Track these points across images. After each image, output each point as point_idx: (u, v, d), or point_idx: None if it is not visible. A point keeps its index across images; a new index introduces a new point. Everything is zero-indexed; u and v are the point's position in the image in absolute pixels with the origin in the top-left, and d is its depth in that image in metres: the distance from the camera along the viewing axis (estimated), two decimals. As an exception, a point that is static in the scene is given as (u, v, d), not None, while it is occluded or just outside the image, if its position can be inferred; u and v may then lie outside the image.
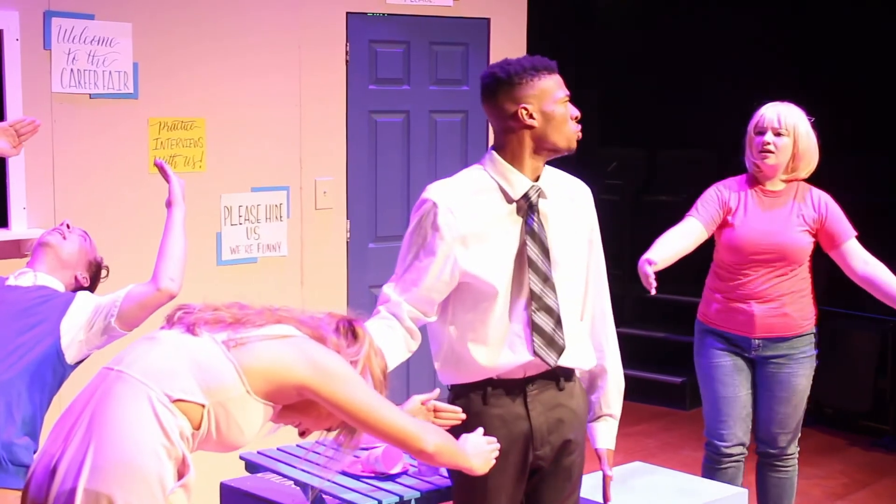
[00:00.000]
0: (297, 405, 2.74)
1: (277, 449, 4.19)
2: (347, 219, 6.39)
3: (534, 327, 3.40)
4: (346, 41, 6.28)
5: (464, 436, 3.08)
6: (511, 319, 3.42)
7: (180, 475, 2.56)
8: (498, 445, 3.16)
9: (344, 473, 3.90)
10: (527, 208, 3.41)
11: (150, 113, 5.61)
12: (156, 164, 4.05)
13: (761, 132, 4.82)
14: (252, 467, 4.16)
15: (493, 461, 3.11)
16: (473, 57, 6.74)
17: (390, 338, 3.39)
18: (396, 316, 3.44)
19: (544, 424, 3.47)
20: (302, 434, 2.88)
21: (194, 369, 2.59)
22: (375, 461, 3.90)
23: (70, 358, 3.74)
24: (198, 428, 2.59)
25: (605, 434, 3.63)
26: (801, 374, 4.88)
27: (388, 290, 3.51)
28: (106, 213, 5.46)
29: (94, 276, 4.10)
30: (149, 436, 2.51)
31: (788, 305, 4.80)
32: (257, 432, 2.70)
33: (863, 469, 7.02)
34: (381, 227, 6.52)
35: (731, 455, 4.91)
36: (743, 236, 4.78)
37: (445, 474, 3.88)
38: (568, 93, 3.45)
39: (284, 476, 4.01)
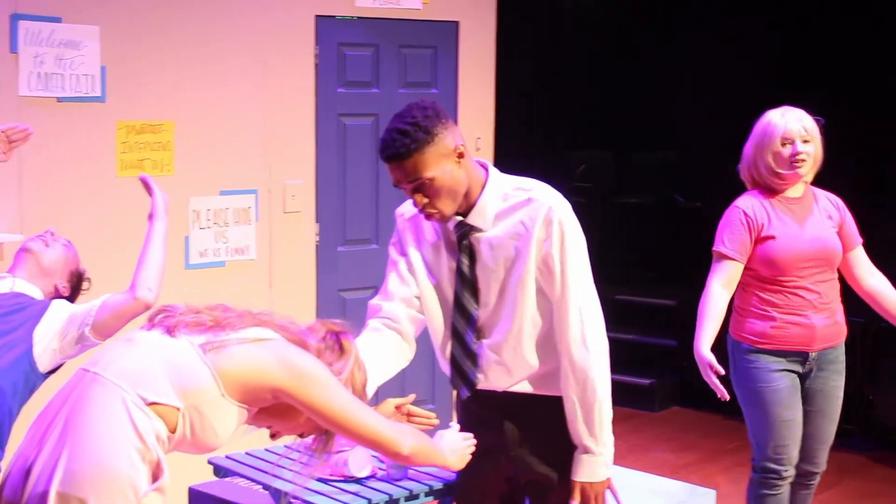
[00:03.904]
0: (272, 408, 2.74)
1: (246, 453, 4.17)
2: (316, 222, 6.38)
3: (452, 362, 3.50)
4: (315, 44, 6.27)
5: (439, 433, 3.11)
6: (442, 349, 3.54)
7: (155, 478, 2.56)
8: (474, 441, 3.19)
9: (312, 477, 3.89)
10: (457, 243, 3.44)
11: (118, 116, 5.58)
12: (140, 179, 4.04)
13: (789, 142, 4.60)
14: (220, 472, 4.15)
15: (469, 457, 3.15)
16: (442, 60, 6.75)
17: (383, 349, 3.44)
18: (393, 318, 3.48)
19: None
20: (272, 437, 2.88)
21: (170, 372, 2.59)
22: (344, 464, 3.90)
23: (43, 366, 3.72)
24: (173, 431, 2.59)
25: (574, 466, 3.49)
26: (842, 386, 4.74)
27: (375, 300, 3.55)
28: (73, 217, 5.43)
29: (75, 286, 4.07)
30: (123, 439, 2.51)
31: (837, 313, 4.67)
32: (232, 434, 2.70)
33: (829, 469, 7.01)
34: (351, 231, 6.52)
35: (788, 478, 4.76)
36: (788, 247, 4.56)
37: (413, 477, 3.89)
38: (402, 184, 3.33)
39: (253, 480, 4.00)
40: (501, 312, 3.43)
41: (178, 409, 2.58)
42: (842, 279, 4.73)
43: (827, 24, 8.78)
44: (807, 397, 4.68)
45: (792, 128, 4.59)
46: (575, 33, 10.32)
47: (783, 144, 4.60)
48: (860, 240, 4.71)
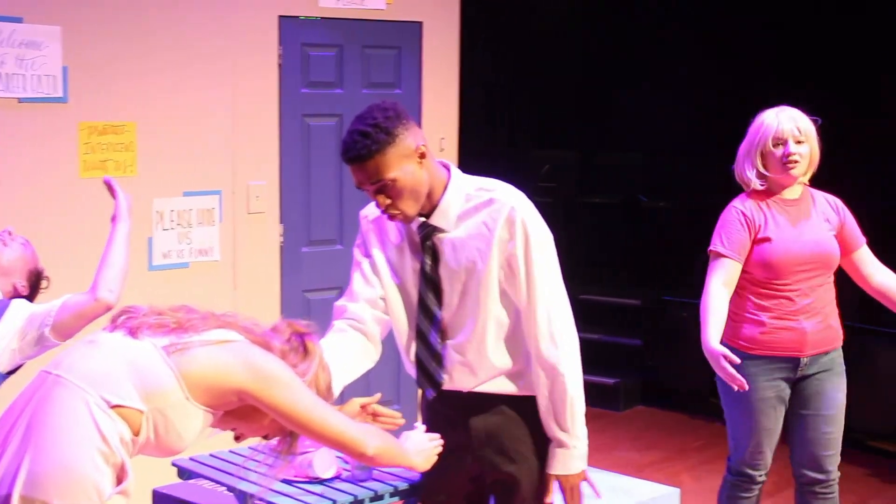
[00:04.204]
0: (237, 410, 2.73)
1: (210, 455, 4.16)
2: (280, 223, 6.37)
3: (417, 363, 3.51)
4: (279, 44, 6.26)
5: (405, 434, 3.12)
6: (407, 350, 3.54)
7: (119, 481, 2.55)
8: (440, 442, 3.19)
9: (276, 478, 3.89)
10: (420, 244, 3.45)
11: (80, 117, 5.55)
12: (104, 181, 4.01)
13: (782, 143, 4.48)
14: (184, 474, 4.13)
15: (435, 457, 3.16)
16: (406, 60, 6.74)
17: (348, 350, 3.45)
18: (358, 319, 3.48)
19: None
20: (237, 439, 2.87)
21: (133, 375, 2.58)
22: (308, 465, 3.89)
23: (2, 366, 3.70)
24: (137, 434, 2.58)
25: (549, 459, 3.51)
26: (842, 389, 4.61)
27: (340, 301, 3.56)
28: (36, 218, 5.39)
29: (34, 285, 4.05)
30: (87, 441, 2.50)
31: (830, 317, 4.56)
32: (197, 437, 2.69)
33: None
34: (315, 232, 6.51)
35: (761, 482, 4.71)
36: (785, 250, 4.47)
37: (378, 478, 3.89)
38: (364, 185, 3.33)
39: (217, 482, 3.98)
40: (465, 313, 3.44)
41: (142, 411, 2.57)
42: (839, 283, 4.65)
43: (795, 22, 8.83)
44: (803, 402, 4.59)
45: (784, 128, 4.49)
46: (539, 33, 10.34)
47: (775, 145, 4.49)
48: (864, 239, 4.62)
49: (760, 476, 4.67)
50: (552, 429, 3.45)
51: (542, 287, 3.39)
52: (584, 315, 8.40)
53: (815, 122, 4.55)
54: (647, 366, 8.52)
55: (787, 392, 4.57)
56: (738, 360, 4.21)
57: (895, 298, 4.57)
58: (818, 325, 4.50)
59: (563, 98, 10.09)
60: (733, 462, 4.70)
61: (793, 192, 4.57)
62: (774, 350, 4.51)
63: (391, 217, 3.37)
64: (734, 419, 4.66)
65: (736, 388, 4.22)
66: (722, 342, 4.46)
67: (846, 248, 4.57)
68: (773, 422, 4.59)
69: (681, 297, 8.17)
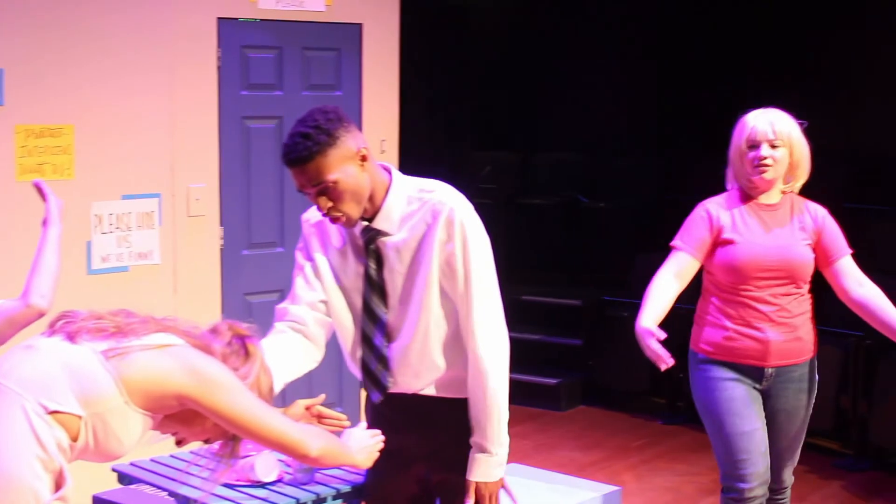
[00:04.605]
0: (178, 415, 2.72)
1: (151, 460, 4.13)
2: (221, 226, 6.34)
3: (363, 367, 3.52)
4: (218, 47, 6.23)
5: (347, 432, 3.13)
6: (352, 354, 3.55)
7: (58, 487, 2.54)
8: (381, 438, 3.20)
9: (217, 482, 3.87)
10: (364, 248, 3.45)
11: (17, 120, 5.50)
12: (34, 184, 3.96)
13: (755, 145, 4.34)
14: (125, 479, 4.10)
15: (377, 454, 3.16)
16: (346, 62, 6.73)
17: (288, 351, 3.44)
18: (299, 321, 3.48)
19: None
20: (178, 443, 2.86)
21: (71, 380, 2.56)
22: (250, 469, 3.87)
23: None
24: (75, 439, 2.56)
25: (470, 465, 3.50)
26: (809, 405, 4.48)
27: (282, 304, 3.56)
28: (-29, 222, 5.34)
29: None
30: (24, 447, 2.48)
31: (801, 329, 4.39)
32: (137, 442, 2.67)
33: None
34: (255, 234, 6.48)
35: (755, 498, 4.40)
36: (746, 253, 4.33)
37: (321, 480, 3.88)
38: (306, 188, 3.32)
39: (159, 487, 3.96)
40: (408, 315, 3.45)
41: (81, 417, 2.55)
42: (820, 294, 4.54)
43: (733, 20, 8.92)
44: (768, 416, 4.44)
45: (759, 130, 4.34)
46: (479, 34, 10.37)
47: (749, 147, 4.36)
48: (847, 251, 4.42)
49: (750, 489, 4.38)
50: (476, 434, 3.45)
51: (477, 291, 3.40)
52: (525, 315, 8.44)
53: (801, 125, 4.42)
54: (587, 365, 8.56)
55: (758, 395, 4.41)
56: (663, 335, 4.09)
57: (873, 314, 4.34)
58: (784, 335, 4.35)
59: (503, 99, 10.12)
60: (722, 478, 4.48)
61: (770, 198, 4.42)
62: (736, 357, 4.38)
63: (333, 220, 3.36)
64: (710, 430, 4.48)
65: (662, 367, 4.08)
66: (689, 347, 4.45)
67: (825, 260, 4.40)
68: (749, 423, 4.38)
69: (621, 296, 8.22)
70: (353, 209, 3.34)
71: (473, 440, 3.46)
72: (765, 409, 4.44)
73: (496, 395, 3.42)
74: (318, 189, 3.29)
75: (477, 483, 3.46)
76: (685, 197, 8.27)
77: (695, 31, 9.05)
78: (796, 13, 8.58)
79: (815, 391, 4.51)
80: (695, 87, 8.82)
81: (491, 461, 3.46)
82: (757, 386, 4.40)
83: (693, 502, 6.48)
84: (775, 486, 4.52)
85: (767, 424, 4.43)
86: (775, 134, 4.33)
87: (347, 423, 3.40)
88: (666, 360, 4.08)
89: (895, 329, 4.28)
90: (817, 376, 4.51)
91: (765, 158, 4.32)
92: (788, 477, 4.58)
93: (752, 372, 4.38)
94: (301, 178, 3.30)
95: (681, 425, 7.75)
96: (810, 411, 4.50)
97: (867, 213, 7.82)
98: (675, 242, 4.43)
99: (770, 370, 4.38)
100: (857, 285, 4.37)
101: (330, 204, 3.31)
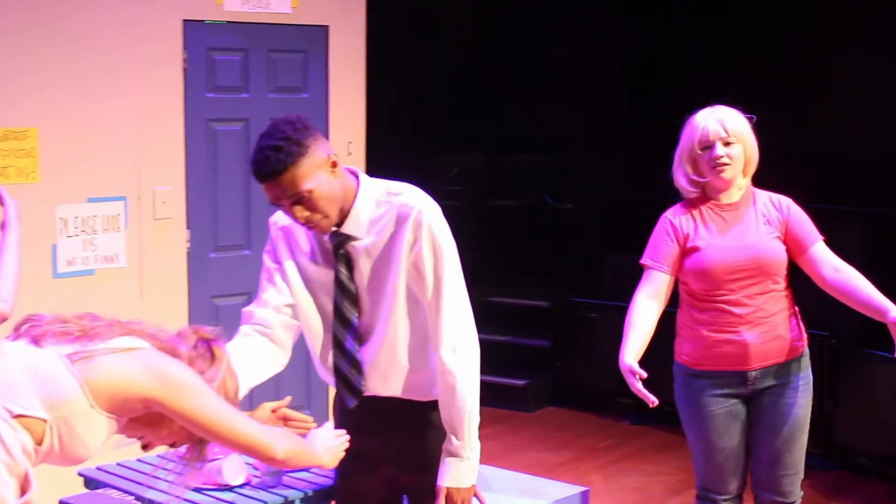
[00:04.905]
0: (144, 418, 2.70)
1: (117, 464, 4.11)
2: (187, 228, 6.31)
3: (336, 372, 3.50)
4: (184, 49, 6.20)
5: (312, 432, 3.13)
6: (323, 359, 3.54)
7: (23, 491, 2.52)
8: (347, 437, 3.20)
9: (185, 486, 3.86)
10: (333, 253, 3.45)
11: (-20, 123, 5.47)
12: None
13: (708, 146, 4.24)
14: (91, 483, 4.08)
15: (343, 454, 3.16)
16: (313, 64, 6.73)
17: (254, 354, 3.44)
18: (265, 324, 3.47)
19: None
20: (144, 448, 2.84)
21: (36, 384, 2.54)
22: (218, 473, 3.86)
23: None
24: (40, 443, 2.55)
25: (441, 469, 3.48)
26: (801, 404, 4.30)
27: (249, 307, 3.55)
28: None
29: None
30: (-10, 453, 2.46)
31: (780, 327, 4.25)
32: (102, 446, 2.66)
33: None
34: (222, 237, 6.46)
35: None
36: (714, 257, 4.22)
37: (288, 483, 3.87)
38: (281, 200, 3.31)
39: (125, 492, 3.94)
40: (378, 319, 3.45)
41: (46, 421, 2.54)
42: (799, 286, 4.39)
43: (692, 22, 8.96)
44: (758, 418, 4.32)
45: (710, 130, 4.24)
46: (446, 35, 10.37)
47: (703, 148, 4.26)
48: (818, 237, 4.29)
49: (725, 500, 4.37)
50: (447, 438, 3.45)
51: (446, 293, 3.40)
52: (493, 317, 8.45)
53: (749, 119, 4.34)
54: (555, 367, 8.57)
55: (742, 408, 4.32)
56: (644, 375, 4.04)
57: (853, 296, 4.18)
58: (763, 336, 4.23)
59: (470, 100, 10.13)
60: (697, 485, 4.46)
61: (730, 196, 4.31)
62: (718, 364, 4.26)
63: (312, 228, 3.36)
64: (691, 440, 4.42)
65: (649, 404, 4.05)
66: (674, 358, 4.37)
67: (797, 249, 4.28)
68: (729, 441, 4.32)
69: (589, 297, 8.24)
70: (329, 216, 3.34)
71: (444, 445, 3.45)
72: (754, 413, 4.33)
73: (466, 398, 3.41)
74: (293, 199, 3.28)
75: (448, 489, 3.45)
76: (652, 197, 8.32)
77: (661, 32, 9.08)
78: (764, 13, 8.63)
79: (810, 389, 4.35)
80: (662, 87, 8.86)
81: (462, 466, 3.45)
82: (743, 391, 4.29)
83: (661, 502, 6.51)
84: (777, 499, 4.35)
85: (759, 428, 4.32)
86: (727, 132, 4.24)
87: (314, 425, 3.39)
88: (650, 401, 4.04)
89: (877, 307, 4.11)
90: (811, 374, 4.38)
91: (721, 157, 4.22)
92: (794, 489, 4.37)
93: (736, 378, 4.27)
94: (275, 191, 3.28)
95: (648, 426, 7.77)
96: (806, 412, 4.33)
97: (830, 213, 7.87)
98: (645, 261, 4.34)
99: (754, 373, 4.26)
100: (833, 271, 4.23)
101: (307, 213, 3.30)
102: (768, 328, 4.24)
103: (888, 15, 7.97)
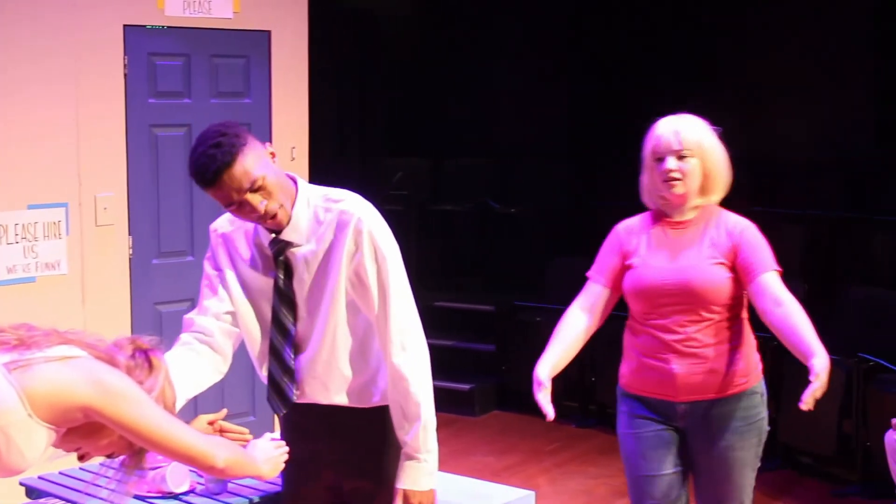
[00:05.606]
0: (82, 428, 2.68)
1: (59, 473, 4.08)
2: (129, 235, 6.27)
3: (269, 379, 3.49)
4: (124, 54, 6.16)
5: (252, 443, 3.11)
6: (260, 366, 3.53)
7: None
8: (287, 448, 3.18)
9: (129, 494, 3.83)
10: (273, 259, 3.43)
11: (-83, 129, 5.40)
12: None
13: (660, 158, 3.92)
14: (33, 493, 4.04)
15: (283, 465, 3.14)
16: (255, 69, 6.70)
17: (194, 363, 3.42)
18: (205, 332, 3.45)
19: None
20: (81, 458, 2.82)
21: (-28, 394, 2.51)
22: (162, 480, 3.84)
23: None
24: (-24, 453, 2.51)
25: (399, 472, 3.47)
26: (742, 448, 3.94)
27: (189, 314, 3.53)
28: None
29: None
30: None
31: (716, 361, 3.88)
32: (40, 456, 2.63)
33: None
34: (165, 243, 6.42)
35: None
36: (644, 277, 3.93)
37: (233, 490, 3.86)
38: (234, 196, 3.26)
39: (67, 501, 3.91)
40: (315, 326, 3.44)
41: (-18, 430, 2.51)
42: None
43: (636, 24, 9.02)
44: (694, 458, 4.00)
45: (663, 141, 3.92)
46: (388, 40, 10.38)
47: (656, 160, 3.94)
48: (769, 268, 3.86)
49: None
50: (404, 441, 3.44)
51: (392, 298, 3.39)
52: (438, 322, 8.45)
53: (716, 131, 4.00)
54: (501, 370, 8.59)
55: (673, 436, 3.98)
56: (549, 387, 3.81)
57: (786, 335, 3.78)
58: (692, 367, 3.89)
59: (413, 105, 10.14)
60: None
61: (683, 214, 3.97)
62: (645, 391, 3.99)
63: (270, 220, 3.32)
64: (625, 467, 4.12)
65: (546, 417, 3.77)
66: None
67: (745, 278, 3.88)
68: (655, 467, 3.98)
69: (533, 301, 8.26)
70: (285, 203, 3.32)
71: (402, 448, 3.45)
72: (691, 452, 4.00)
73: (420, 401, 3.41)
74: (250, 188, 3.24)
75: (405, 491, 3.44)
76: (596, 202, 8.38)
77: (605, 35, 9.14)
78: (707, 17, 8.71)
79: (757, 430, 3.98)
80: (605, 91, 8.91)
81: (420, 468, 3.44)
82: (674, 423, 3.97)
83: (606, 504, 6.54)
84: None
85: (695, 469, 4.01)
86: (681, 144, 3.89)
87: (250, 437, 3.38)
88: (548, 415, 3.77)
89: (804, 351, 3.69)
90: (763, 412, 3.99)
91: (671, 172, 3.89)
92: None
93: (664, 408, 3.96)
94: (226, 189, 3.24)
95: (592, 428, 7.80)
96: (746, 455, 3.96)
97: (774, 217, 7.95)
98: (589, 272, 4.09)
99: (682, 406, 3.92)
100: (774, 304, 3.80)
101: (265, 201, 3.27)
102: (699, 360, 3.89)
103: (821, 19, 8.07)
